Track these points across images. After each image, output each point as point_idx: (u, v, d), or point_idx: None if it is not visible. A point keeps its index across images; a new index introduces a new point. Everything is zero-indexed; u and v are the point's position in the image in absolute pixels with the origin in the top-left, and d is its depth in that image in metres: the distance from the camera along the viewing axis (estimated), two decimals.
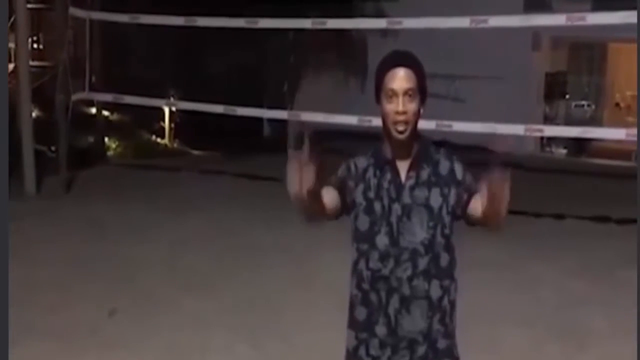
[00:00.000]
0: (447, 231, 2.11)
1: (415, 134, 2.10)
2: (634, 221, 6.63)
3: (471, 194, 2.09)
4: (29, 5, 9.42)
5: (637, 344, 3.33)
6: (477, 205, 2.07)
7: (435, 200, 2.10)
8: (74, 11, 8.53)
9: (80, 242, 6.14)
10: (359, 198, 2.13)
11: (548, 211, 7.44)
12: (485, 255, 5.88)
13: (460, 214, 2.11)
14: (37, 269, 5.30)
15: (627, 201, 7.49)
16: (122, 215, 7.01)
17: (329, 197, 2.09)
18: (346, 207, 2.14)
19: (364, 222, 2.12)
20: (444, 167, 2.13)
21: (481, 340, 4.11)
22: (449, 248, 2.13)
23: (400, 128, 2.06)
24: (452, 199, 2.10)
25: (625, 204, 7.37)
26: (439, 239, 2.10)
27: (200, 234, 6.45)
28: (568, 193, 8.65)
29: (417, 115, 2.08)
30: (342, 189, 2.13)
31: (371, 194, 2.11)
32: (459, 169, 2.13)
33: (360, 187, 2.13)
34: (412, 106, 2.06)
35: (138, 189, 8.32)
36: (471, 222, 2.13)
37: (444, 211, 2.10)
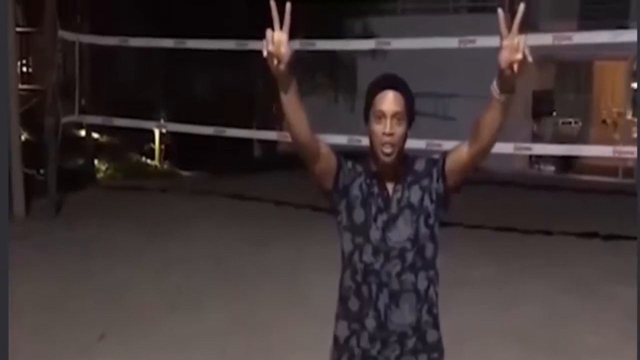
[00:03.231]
0: (431, 220, 2.16)
1: (401, 156, 2.15)
2: (621, 237, 6.71)
3: (445, 155, 2.15)
4: (18, 29, 9.45)
5: (637, 344, 3.35)
6: (456, 153, 2.12)
7: (415, 195, 2.15)
8: (63, 34, 8.57)
9: (68, 265, 6.12)
10: (356, 190, 2.18)
11: (536, 227, 7.49)
12: (475, 271, 5.93)
13: (444, 182, 2.14)
14: (24, 292, 5.27)
15: (614, 217, 7.59)
16: (110, 237, 7.01)
17: (324, 146, 2.13)
18: (330, 173, 2.16)
19: (359, 215, 2.16)
20: (419, 165, 2.20)
21: (471, 356, 4.13)
22: (433, 238, 2.17)
23: (387, 150, 2.10)
24: (432, 184, 2.15)
25: (612, 220, 7.46)
26: (424, 230, 2.15)
27: (188, 255, 6.45)
28: (556, 210, 8.72)
29: (404, 138, 2.14)
30: (337, 161, 2.17)
31: (365, 192, 2.17)
32: (431, 157, 2.20)
33: (358, 180, 2.18)
34: (399, 129, 2.11)
35: (127, 211, 8.31)
36: (459, 168, 2.12)
37: (426, 201, 2.15)
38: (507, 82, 1.91)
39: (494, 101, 1.97)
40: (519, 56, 1.84)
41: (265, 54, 1.92)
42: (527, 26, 1.90)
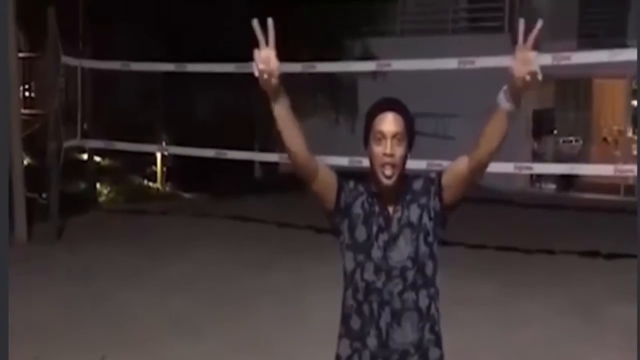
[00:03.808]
0: (430, 238, 2.17)
1: (402, 178, 2.17)
2: (623, 256, 6.69)
3: (441, 172, 2.18)
4: (21, 54, 9.54)
5: (637, 344, 3.33)
6: (454, 168, 2.14)
7: (414, 214, 2.17)
8: (66, 59, 8.65)
9: (70, 289, 6.11)
10: (357, 209, 2.19)
11: (538, 246, 7.47)
12: (476, 290, 5.91)
13: (440, 199, 2.16)
14: (25, 316, 5.26)
15: (615, 236, 7.56)
16: (112, 261, 7.00)
17: (323, 166, 2.16)
18: (330, 193, 2.18)
19: (361, 233, 2.18)
20: (417, 184, 2.21)
21: None
22: (432, 255, 2.18)
23: (388, 172, 2.12)
24: (430, 202, 2.17)
25: (614, 239, 7.44)
26: (423, 248, 2.16)
27: (189, 277, 6.44)
28: (557, 228, 8.71)
29: (404, 160, 2.15)
30: (338, 181, 2.20)
31: (366, 211, 2.18)
32: (429, 176, 2.22)
33: (360, 199, 2.20)
34: (399, 150, 2.13)
35: (129, 234, 8.32)
36: (457, 184, 2.14)
37: (425, 219, 2.17)
38: (518, 94, 1.95)
39: (499, 112, 2.00)
40: (533, 67, 1.88)
41: (256, 73, 1.96)
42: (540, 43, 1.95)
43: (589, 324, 5.20)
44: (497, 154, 2.06)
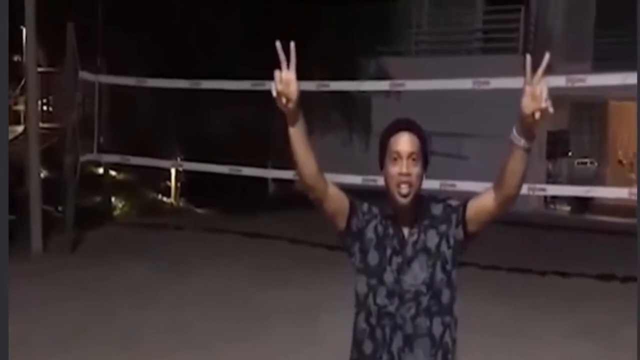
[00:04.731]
0: (448, 266, 2.15)
1: (418, 199, 2.16)
2: None
3: (466, 201, 2.16)
4: (40, 69, 9.67)
5: (637, 344, 3.29)
6: (481, 201, 2.13)
7: (432, 240, 2.15)
8: (83, 75, 8.76)
9: (83, 302, 6.14)
10: (370, 233, 2.19)
11: (552, 269, 7.42)
12: (489, 313, 5.87)
13: (464, 228, 2.14)
14: (38, 329, 5.30)
15: (631, 259, 7.47)
16: (125, 275, 7.03)
17: (334, 190, 2.17)
18: (341, 215, 2.19)
19: (374, 258, 2.17)
20: (436, 208, 2.19)
21: None
22: (450, 284, 2.16)
23: (404, 191, 2.12)
24: (450, 231, 2.15)
25: (630, 262, 7.35)
26: (440, 276, 2.14)
27: (202, 294, 6.45)
28: (572, 251, 8.64)
29: (420, 180, 2.15)
30: (350, 204, 2.20)
31: (380, 234, 2.18)
32: (449, 203, 2.20)
33: (373, 222, 2.19)
34: (415, 169, 2.13)
35: (142, 249, 8.35)
36: (483, 217, 2.13)
37: (443, 247, 2.15)
38: (529, 129, 1.93)
39: (515, 149, 1.97)
40: (543, 105, 1.85)
41: (274, 93, 1.98)
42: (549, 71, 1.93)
43: (603, 348, 5.14)
44: (521, 187, 2.05)
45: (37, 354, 4.84)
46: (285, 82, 1.97)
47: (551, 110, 1.86)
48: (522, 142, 1.95)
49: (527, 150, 1.96)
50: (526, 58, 1.90)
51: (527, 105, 1.87)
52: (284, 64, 1.99)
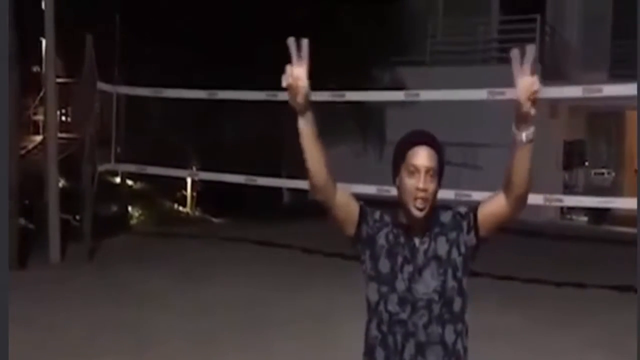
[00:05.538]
0: (459, 274, 2.16)
1: (431, 211, 2.17)
2: None
3: (476, 207, 2.17)
4: (58, 80, 9.81)
5: (637, 344, 3.27)
6: (492, 204, 2.14)
7: (442, 247, 2.16)
8: (101, 85, 8.88)
9: (99, 310, 6.20)
10: (382, 240, 2.20)
11: (569, 280, 7.37)
12: (504, 324, 5.84)
13: (476, 234, 2.16)
14: (55, 337, 5.35)
15: None
16: (142, 284, 7.09)
17: (343, 194, 2.18)
18: (351, 221, 2.20)
19: (385, 265, 2.18)
20: (445, 216, 2.21)
21: None
22: (461, 292, 2.16)
23: (420, 205, 2.12)
24: (461, 237, 2.16)
25: None
26: (451, 283, 2.14)
27: (216, 302, 6.48)
28: (589, 261, 8.58)
29: (436, 194, 2.16)
30: (360, 211, 2.21)
31: (391, 242, 2.19)
32: (458, 210, 2.21)
33: (384, 230, 2.21)
34: (432, 185, 2.13)
35: (159, 257, 8.42)
36: (496, 220, 2.14)
37: (454, 254, 2.16)
38: (526, 117, 1.96)
39: (518, 145, 2.00)
40: (536, 87, 1.91)
41: (284, 84, 2.00)
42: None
43: (620, 359, 5.10)
44: (531, 185, 2.05)
45: None
46: (296, 76, 1.99)
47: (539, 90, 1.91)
48: (522, 135, 1.98)
49: (529, 146, 1.99)
50: (512, 52, 1.94)
51: (524, 88, 1.93)
52: (295, 59, 2.01)
